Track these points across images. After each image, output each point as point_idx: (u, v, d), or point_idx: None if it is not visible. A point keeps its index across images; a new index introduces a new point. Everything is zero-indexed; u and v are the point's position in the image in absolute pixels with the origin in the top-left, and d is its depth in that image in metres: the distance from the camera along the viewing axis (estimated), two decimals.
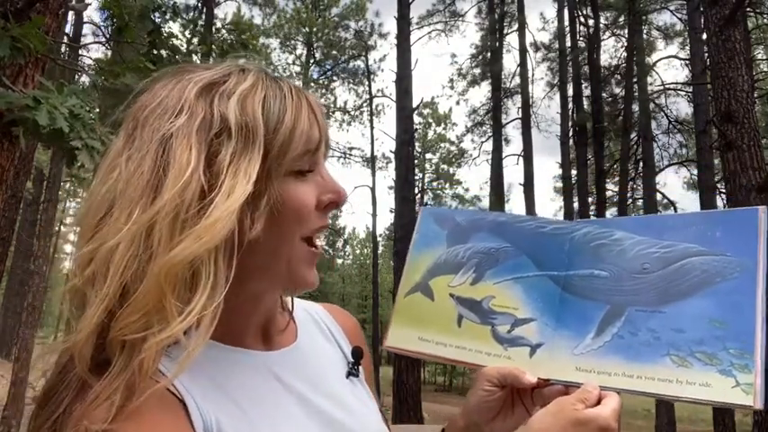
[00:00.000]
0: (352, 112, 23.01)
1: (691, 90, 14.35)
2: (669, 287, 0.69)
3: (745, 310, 0.64)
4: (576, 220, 0.83)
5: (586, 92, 16.00)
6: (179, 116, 0.60)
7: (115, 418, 0.51)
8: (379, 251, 24.40)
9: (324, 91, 21.81)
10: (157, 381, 0.53)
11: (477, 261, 0.84)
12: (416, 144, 19.92)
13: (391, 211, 23.68)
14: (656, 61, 16.43)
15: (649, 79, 15.36)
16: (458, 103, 25.90)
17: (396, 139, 13.98)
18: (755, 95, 8.74)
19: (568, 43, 16.32)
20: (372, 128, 21.90)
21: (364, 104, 22.74)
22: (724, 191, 9.44)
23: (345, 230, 37.30)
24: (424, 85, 58.22)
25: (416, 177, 19.90)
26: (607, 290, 0.73)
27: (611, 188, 16.72)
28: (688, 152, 16.50)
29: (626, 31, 15.97)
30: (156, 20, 4.20)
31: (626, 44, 15.81)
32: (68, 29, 11.07)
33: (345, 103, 27.10)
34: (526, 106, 16.37)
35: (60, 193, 15.75)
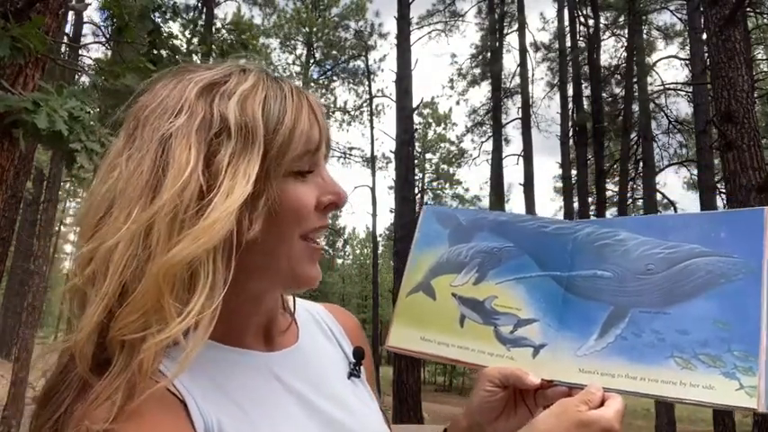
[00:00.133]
0: (352, 112, 23.02)
1: (691, 90, 14.35)
2: (673, 288, 0.69)
3: (750, 312, 0.63)
4: (579, 219, 0.82)
5: (586, 92, 16.01)
6: (179, 116, 0.60)
7: (116, 418, 0.51)
8: (379, 251, 24.41)
9: (324, 91, 21.81)
10: (157, 381, 0.53)
11: (479, 261, 0.83)
12: (416, 144, 19.92)
13: (391, 211, 23.70)
14: (656, 61, 16.45)
15: (649, 79, 15.37)
16: (458, 103, 25.90)
17: (396, 139, 13.98)
18: (755, 95, 8.73)
19: (568, 43, 16.32)
20: (372, 128, 21.92)
21: (364, 104, 22.75)
22: (724, 191, 9.44)
23: (345, 230, 37.33)
24: (424, 85, 58.24)
25: (416, 177, 19.91)
26: (611, 291, 0.73)
27: (611, 188, 16.72)
28: (688, 152, 16.50)
29: (626, 31, 15.97)
30: (156, 20, 4.19)
31: (626, 44, 15.81)
32: (68, 29, 11.08)
33: (345, 103, 27.12)
34: (526, 106, 16.37)
35: (60, 193, 15.74)
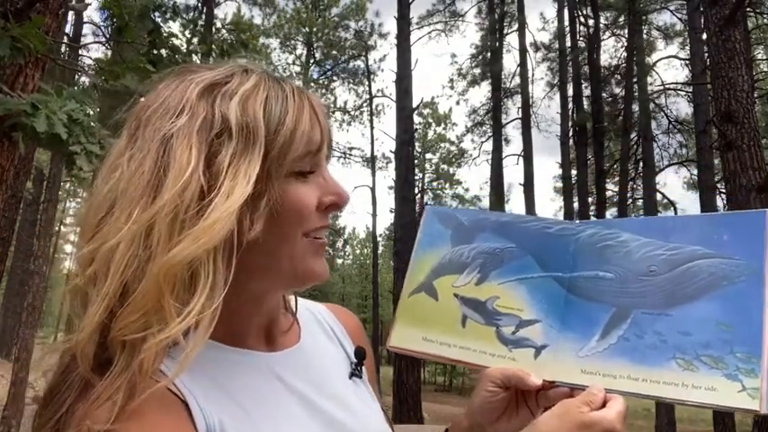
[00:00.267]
0: (352, 112, 23.03)
1: (691, 90, 14.35)
2: (676, 290, 0.69)
3: (753, 314, 0.63)
4: (581, 221, 0.82)
5: (586, 92, 16.00)
6: (180, 116, 0.60)
7: (117, 418, 0.51)
8: (379, 251, 24.42)
9: (324, 91, 21.82)
10: (158, 381, 0.53)
11: (481, 261, 0.83)
12: (416, 144, 19.92)
13: (391, 211, 23.70)
14: (656, 61, 16.45)
15: (649, 79, 15.37)
16: (458, 103, 25.89)
17: (396, 139, 13.98)
18: (755, 95, 8.73)
19: (568, 43, 16.32)
20: (372, 128, 21.94)
21: (364, 104, 22.76)
22: (724, 191, 9.44)
23: (345, 230, 37.33)
24: (424, 85, 58.21)
25: (416, 177, 19.91)
26: (613, 292, 0.73)
27: (611, 188, 16.72)
28: (688, 152, 16.50)
29: (626, 31, 15.97)
30: (156, 20, 4.19)
31: (626, 44, 15.81)
32: (68, 29, 11.07)
33: (345, 103, 27.12)
34: (526, 106, 16.37)
35: (60, 193, 15.73)
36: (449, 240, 0.87)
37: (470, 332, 0.80)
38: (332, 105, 22.22)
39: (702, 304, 0.67)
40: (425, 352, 0.81)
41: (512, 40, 18.48)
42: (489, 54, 18.39)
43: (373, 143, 21.93)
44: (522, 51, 16.85)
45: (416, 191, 18.60)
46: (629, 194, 15.41)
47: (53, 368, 0.58)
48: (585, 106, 15.57)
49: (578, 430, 0.60)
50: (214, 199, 0.56)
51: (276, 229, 0.61)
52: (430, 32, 18.95)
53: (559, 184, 19.61)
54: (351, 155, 22.78)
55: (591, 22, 15.94)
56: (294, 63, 22.35)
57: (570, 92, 16.02)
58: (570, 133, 15.64)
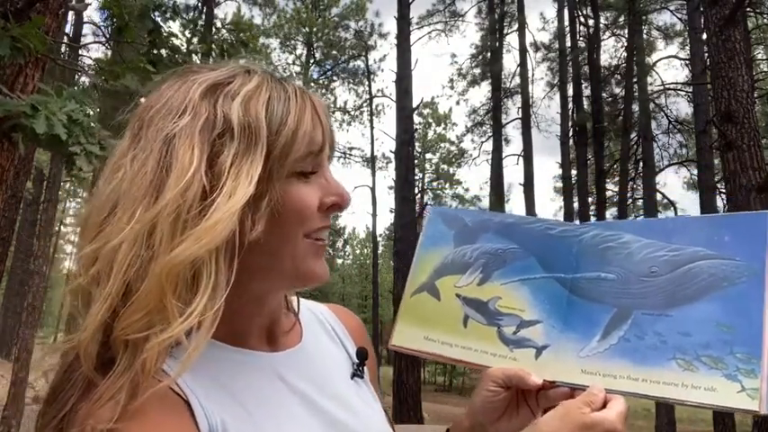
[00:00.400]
0: (352, 112, 23.03)
1: (691, 90, 14.35)
2: (676, 291, 0.69)
3: (753, 315, 0.63)
4: (584, 222, 0.82)
5: (586, 92, 16.01)
6: (183, 116, 0.60)
7: (120, 417, 0.51)
8: (379, 251, 24.42)
9: (324, 91, 21.81)
10: (161, 380, 0.54)
11: (484, 262, 0.83)
12: (416, 144, 19.92)
13: (391, 211, 23.69)
14: (656, 61, 16.45)
15: (649, 79, 15.37)
16: (458, 103, 25.91)
17: (396, 139, 13.98)
18: (755, 95, 8.73)
19: (568, 43, 16.32)
20: (372, 128, 21.94)
21: (364, 104, 22.76)
22: (724, 191, 9.44)
23: (345, 230, 37.32)
24: (424, 85, 58.21)
25: (416, 177, 19.90)
26: (614, 293, 0.73)
27: (611, 188, 16.72)
28: (688, 152, 16.50)
29: (626, 31, 15.97)
30: (156, 19, 4.19)
31: (626, 44, 15.82)
32: (68, 29, 11.07)
33: (345, 103, 27.12)
34: (526, 106, 16.37)
35: (60, 193, 15.74)
36: (452, 241, 0.87)
37: (472, 332, 0.80)
38: (332, 105, 22.22)
39: (703, 305, 0.67)
40: (427, 351, 0.81)
41: (512, 40, 18.50)
42: (489, 54, 18.39)
43: (373, 143, 21.96)
44: (522, 51, 16.86)
45: (416, 191, 18.60)
46: (629, 194, 15.41)
47: (56, 367, 0.59)
48: (585, 106, 15.57)
49: (579, 431, 0.60)
50: (216, 199, 0.56)
51: (277, 229, 0.62)
52: (430, 32, 18.97)
53: (559, 184, 19.62)
54: (351, 155, 22.80)
55: (591, 22, 15.95)
56: (294, 63, 22.37)
57: (570, 92, 16.03)
58: (570, 133, 15.64)
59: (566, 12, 16.46)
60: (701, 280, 0.68)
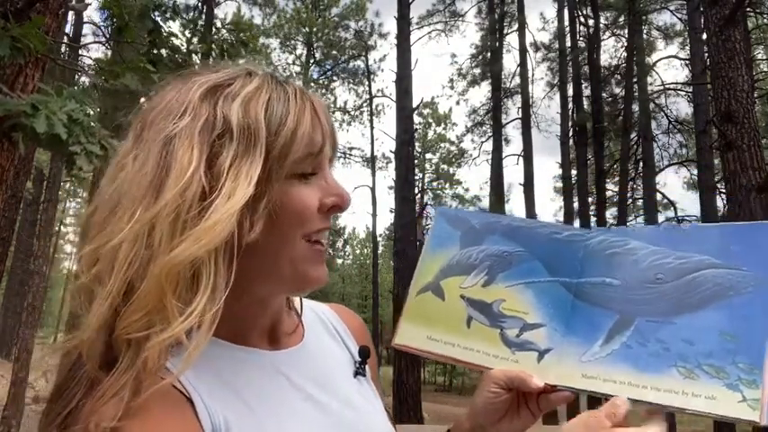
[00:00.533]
0: (352, 112, 23.05)
1: (691, 90, 14.35)
2: (681, 298, 0.69)
3: (758, 326, 0.63)
4: (592, 227, 0.82)
5: (586, 92, 16.02)
6: (183, 117, 0.60)
7: (123, 415, 0.51)
8: (379, 251, 24.43)
9: (324, 91, 21.82)
10: (164, 378, 0.54)
11: (489, 264, 0.83)
12: (416, 144, 19.93)
13: (391, 211, 23.68)
14: (656, 61, 16.46)
15: (649, 79, 15.38)
16: (458, 103, 25.99)
17: (396, 139, 13.99)
18: (755, 95, 8.73)
19: (568, 43, 16.33)
20: (372, 128, 21.97)
21: (364, 104, 22.78)
22: (724, 191, 9.44)
23: (345, 230, 37.32)
24: (424, 85, 58.25)
25: (416, 177, 19.90)
26: (618, 298, 0.73)
27: (611, 188, 16.72)
28: (688, 152, 16.51)
29: (626, 31, 15.98)
30: (156, 19, 4.19)
31: (626, 44, 15.82)
32: (68, 29, 11.07)
33: (345, 103, 27.15)
34: (526, 106, 16.38)
35: (60, 193, 15.75)
36: (458, 242, 0.87)
37: (475, 333, 0.80)
38: (332, 105, 22.23)
39: (707, 313, 0.67)
40: (430, 351, 0.82)
41: (512, 40, 18.51)
42: (489, 54, 18.40)
43: (373, 143, 21.98)
44: (522, 51, 16.87)
45: (416, 191, 18.61)
46: (629, 194, 15.41)
47: (57, 366, 0.59)
48: (585, 106, 15.58)
49: None
50: (215, 200, 0.56)
51: (277, 230, 0.62)
52: (430, 32, 18.98)
53: (559, 184, 19.62)
54: (351, 155, 22.83)
55: (591, 22, 15.96)
56: (294, 63, 22.38)
57: (570, 92, 16.04)
58: (570, 133, 15.65)
59: (566, 12, 16.48)
60: (706, 289, 0.68)
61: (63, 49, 7.57)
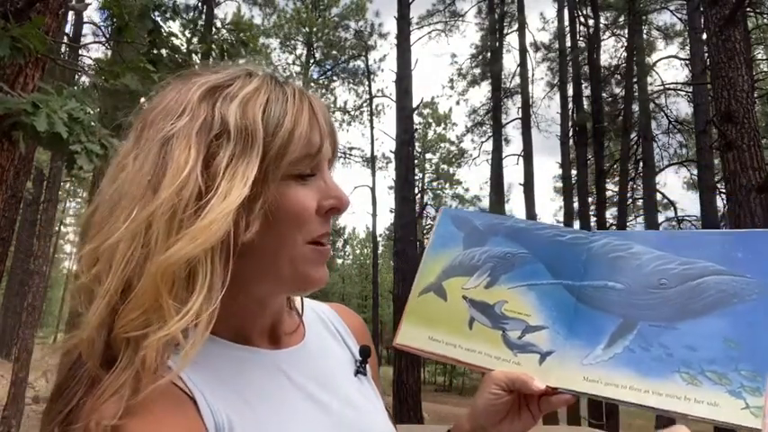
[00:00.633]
0: (352, 112, 23.03)
1: (691, 90, 14.35)
2: (685, 304, 0.69)
3: (761, 333, 0.63)
4: (596, 230, 0.82)
5: (586, 92, 15.99)
6: (181, 118, 0.60)
7: (124, 413, 0.52)
8: (379, 251, 24.40)
9: (324, 91, 21.81)
10: (164, 376, 0.54)
11: (492, 265, 0.83)
12: (416, 144, 19.90)
13: (391, 211, 23.66)
14: (656, 61, 16.44)
15: (649, 79, 15.37)
16: (458, 103, 25.93)
17: (396, 139, 13.97)
18: (755, 95, 8.73)
19: (568, 43, 16.31)
20: (372, 128, 21.94)
21: (364, 104, 22.76)
22: (724, 191, 9.44)
23: (345, 230, 37.28)
24: (424, 85, 58.31)
25: (416, 177, 19.88)
26: (621, 302, 0.73)
27: (611, 188, 16.71)
28: (688, 152, 16.49)
29: (626, 31, 15.97)
30: (156, 19, 4.19)
31: (626, 44, 15.81)
32: (68, 29, 11.07)
33: (345, 103, 27.15)
34: (526, 106, 16.36)
35: (60, 193, 15.75)
36: (461, 242, 0.87)
37: (477, 334, 0.80)
38: (332, 105, 22.22)
39: (711, 320, 0.67)
40: (431, 351, 0.82)
41: (512, 40, 18.49)
42: (489, 54, 18.39)
43: (373, 143, 21.94)
44: (522, 51, 16.85)
45: (416, 191, 18.59)
46: (629, 194, 15.40)
47: (57, 366, 0.59)
48: (585, 106, 15.56)
49: None
50: (211, 200, 0.57)
51: (274, 231, 0.62)
52: (430, 32, 18.96)
53: (559, 184, 19.61)
54: (351, 155, 22.81)
55: (591, 22, 15.94)
56: (294, 63, 22.36)
57: (570, 92, 16.01)
58: (570, 133, 15.63)
59: (566, 12, 16.46)
60: (709, 295, 0.68)
61: (63, 49, 7.57)
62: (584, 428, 7.24)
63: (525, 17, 17.03)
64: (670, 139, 16.39)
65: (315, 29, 21.86)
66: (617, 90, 16.38)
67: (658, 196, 15.30)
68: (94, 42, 11.84)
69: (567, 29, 16.37)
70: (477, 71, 19.89)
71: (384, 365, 22.37)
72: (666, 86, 15.82)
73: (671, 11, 15.69)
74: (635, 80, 15.12)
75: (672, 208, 15.97)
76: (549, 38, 18.39)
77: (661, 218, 15.62)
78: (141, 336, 0.53)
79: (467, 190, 27.57)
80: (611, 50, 17.57)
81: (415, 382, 12.00)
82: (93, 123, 2.69)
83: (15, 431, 8.73)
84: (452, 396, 25.31)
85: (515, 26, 17.56)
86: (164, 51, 3.96)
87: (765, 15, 12.45)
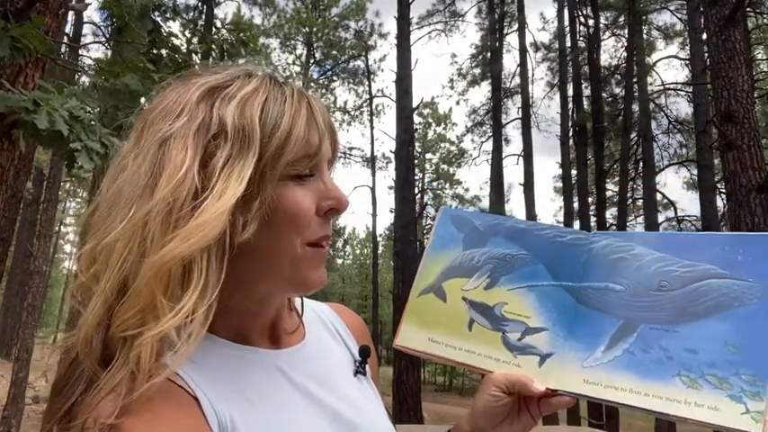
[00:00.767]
0: (352, 112, 23.03)
1: (691, 90, 14.34)
2: (686, 307, 0.69)
3: (762, 338, 0.63)
4: (596, 231, 0.82)
5: (586, 92, 15.99)
6: (179, 118, 0.61)
7: (123, 412, 0.52)
8: (379, 251, 24.42)
9: (324, 91, 21.81)
10: (159, 374, 0.54)
11: (492, 266, 0.83)
12: (416, 144, 19.90)
13: (391, 211, 23.66)
14: (656, 61, 16.44)
15: (649, 79, 15.36)
16: (458, 103, 25.95)
17: (396, 139, 13.97)
18: (755, 95, 8.73)
19: (568, 43, 16.31)
20: (372, 128, 21.94)
21: (364, 104, 22.76)
22: (724, 191, 9.43)
23: (345, 230, 37.29)
24: (423, 85, 58.29)
25: (416, 177, 19.87)
26: (622, 304, 0.73)
27: (611, 188, 16.71)
28: (688, 152, 16.49)
29: (626, 31, 15.96)
30: (156, 19, 4.19)
31: (626, 44, 15.81)
32: (68, 29, 11.07)
33: (345, 103, 27.16)
34: (526, 106, 16.36)
35: (60, 193, 15.76)
36: (461, 243, 0.87)
37: (476, 336, 0.80)
38: (332, 105, 22.22)
39: (711, 323, 0.66)
40: (431, 353, 0.81)
41: (512, 40, 18.51)
42: (489, 54, 18.38)
43: (373, 143, 21.95)
44: (522, 51, 16.85)
45: (416, 191, 18.59)
46: (629, 194, 15.40)
47: (59, 362, 0.60)
48: (585, 106, 15.56)
49: None
50: (206, 199, 0.57)
51: (272, 232, 0.62)
52: (430, 32, 18.96)
53: (559, 184, 19.61)
54: (351, 155, 22.81)
55: (591, 22, 15.94)
56: (294, 63, 22.35)
57: (570, 92, 16.01)
58: (570, 133, 15.63)
59: (566, 12, 16.45)
60: (711, 298, 0.68)
61: (63, 49, 7.57)
62: (584, 429, 7.24)
63: (525, 17, 17.04)
64: (670, 139, 16.40)
65: (315, 29, 21.85)
66: (617, 90, 16.38)
67: (658, 196, 15.29)
68: (94, 42, 11.83)
69: (567, 29, 16.37)
70: (477, 71, 19.90)
71: (384, 365, 22.38)
72: (666, 86, 15.82)
73: (671, 11, 15.70)
74: (635, 80, 15.11)
75: (672, 208, 15.98)
76: (549, 38, 18.41)
77: (661, 218, 15.63)
78: (137, 334, 0.53)
79: (467, 190, 27.61)
80: (611, 50, 17.60)
81: (415, 383, 12.00)
82: (93, 122, 2.69)
83: (15, 431, 8.73)
84: (452, 396, 25.31)
85: (515, 26, 17.56)
86: (164, 51, 3.96)
87: (765, 15, 12.44)
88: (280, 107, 0.62)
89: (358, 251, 39.69)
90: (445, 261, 0.86)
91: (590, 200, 15.21)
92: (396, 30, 14.57)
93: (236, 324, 0.67)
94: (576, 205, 15.27)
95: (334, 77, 22.76)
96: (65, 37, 8.92)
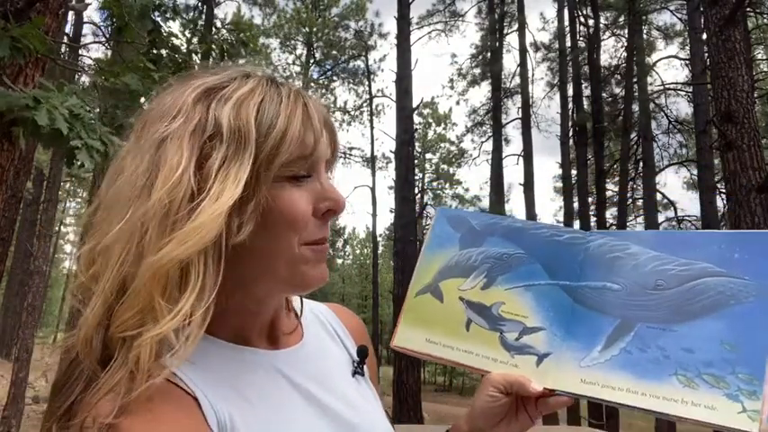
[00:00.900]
0: (352, 112, 23.03)
1: (691, 90, 14.34)
2: (682, 306, 0.69)
3: (758, 336, 0.63)
4: (594, 230, 0.82)
5: (586, 92, 15.98)
6: (175, 119, 0.61)
7: (122, 412, 0.52)
8: (379, 251, 24.41)
9: (324, 91, 21.80)
10: (158, 375, 0.54)
11: (488, 266, 0.83)
12: (416, 144, 19.90)
13: (391, 211, 23.65)
14: (656, 61, 16.43)
15: (649, 79, 15.36)
16: (458, 103, 25.97)
17: (396, 139, 13.97)
18: (755, 95, 8.73)
19: (568, 43, 16.30)
20: (372, 128, 21.93)
21: (364, 104, 22.75)
22: (724, 191, 9.43)
23: (345, 230, 37.28)
24: (423, 85, 58.31)
25: (416, 177, 19.87)
26: (619, 304, 0.73)
27: (611, 188, 16.71)
28: (688, 152, 16.49)
29: (626, 31, 15.96)
30: (156, 19, 4.19)
31: (626, 44, 15.80)
32: (68, 29, 11.06)
33: (345, 103, 27.16)
34: (526, 106, 16.36)
35: (60, 193, 15.76)
36: (457, 243, 0.86)
37: (474, 336, 0.80)
38: (332, 105, 22.21)
39: (708, 322, 0.66)
40: (428, 353, 0.81)
41: (512, 40, 18.51)
42: (489, 54, 18.38)
43: (373, 143, 21.94)
44: (522, 51, 16.84)
45: (416, 191, 18.59)
46: (629, 194, 15.39)
47: (59, 362, 0.60)
48: (585, 106, 15.55)
49: None
50: (203, 201, 0.57)
51: (269, 233, 0.62)
52: (430, 32, 18.95)
53: (559, 184, 19.61)
54: (351, 155, 22.80)
55: (591, 22, 15.93)
56: (294, 63, 22.35)
57: (570, 92, 16.00)
58: (570, 133, 15.62)
59: (566, 12, 16.45)
60: (707, 297, 0.67)
61: (63, 49, 7.56)
62: (584, 428, 7.24)
63: (525, 17, 17.03)
64: (670, 139, 16.39)
65: (315, 29, 21.85)
66: (617, 90, 16.38)
67: (658, 196, 15.29)
68: (94, 42, 11.83)
69: (567, 29, 16.37)
70: (477, 71, 19.90)
71: (384, 365, 22.37)
72: (666, 86, 15.81)
73: (671, 11, 15.70)
74: (635, 80, 15.11)
75: (672, 208, 15.97)
76: (549, 38, 18.40)
77: (661, 218, 15.62)
78: (136, 335, 0.54)
79: (467, 190, 27.60)
80: (611, 50, 17.59)
81: (415, 382, 12.00)
82: (93, 121, 2.69)
83: (15, 431, 8.73)
84: (452, 396, 25.31)
85: (515, 26, 17.55)
86: (164, 51, 3.96)
87: (765, 15, 12.44)
88: (275, 108, 0.62)
89: (358, 251, 39.69)
90: (442, 261, 0.86)
91: (590, 200, 15.21)
92: (396, 30, 14.57)
93: (234, 325, 0.67)
94: (576, 205, 15.26)
95: (334, 77, 22.78)
96: (65, 37, 8.92)
